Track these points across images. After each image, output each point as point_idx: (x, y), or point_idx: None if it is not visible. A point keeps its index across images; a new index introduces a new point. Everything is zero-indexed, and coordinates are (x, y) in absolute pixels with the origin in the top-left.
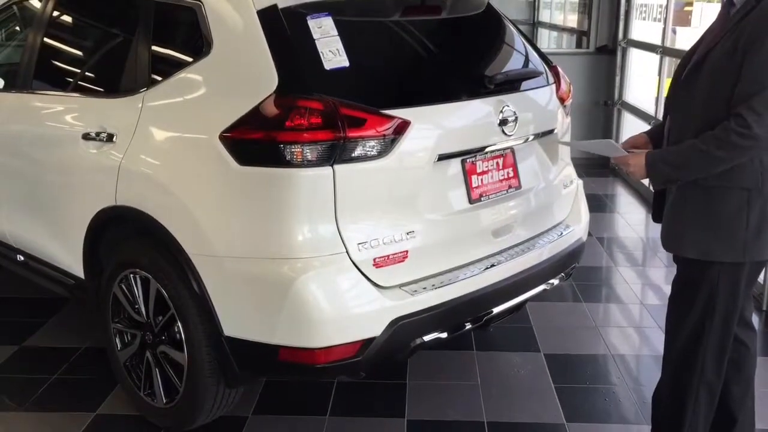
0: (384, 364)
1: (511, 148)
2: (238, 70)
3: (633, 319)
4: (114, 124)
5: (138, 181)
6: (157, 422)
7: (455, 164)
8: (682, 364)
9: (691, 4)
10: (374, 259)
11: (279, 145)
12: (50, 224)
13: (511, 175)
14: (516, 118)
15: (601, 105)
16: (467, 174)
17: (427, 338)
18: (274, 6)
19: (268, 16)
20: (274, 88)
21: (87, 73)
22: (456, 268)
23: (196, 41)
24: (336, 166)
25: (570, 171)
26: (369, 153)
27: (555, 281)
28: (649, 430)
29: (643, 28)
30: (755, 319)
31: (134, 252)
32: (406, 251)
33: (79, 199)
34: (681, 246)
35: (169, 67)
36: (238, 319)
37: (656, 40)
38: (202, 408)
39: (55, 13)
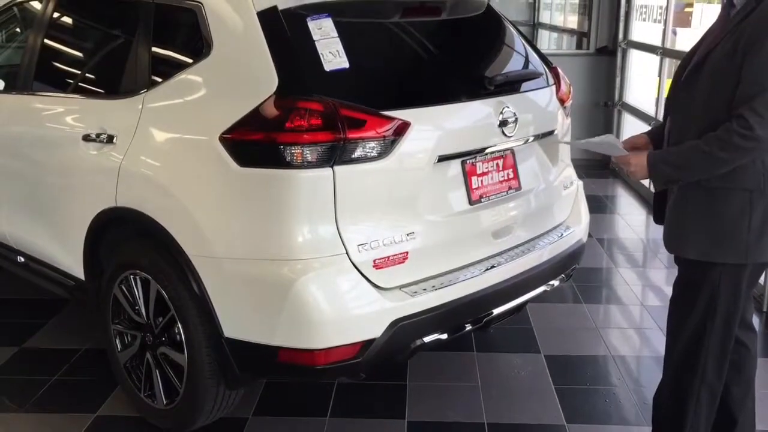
0: (384, 366)
1: (511, 150)
2: (238, 71)
3: (633, 321)
4: (114, 126)
5: (138, 182)
6: (158, 423)
7: (455, 165)
8: (684, 366)
9: (691, 5)
10: (374, 261)
11: (279, 146)
12: (50, 225)
13: (511, 176)
14: (516, 119)
15: (601, 106)
16: (467, 175)
17: (427, 339)
18: (274, 7)
19: (268, 18)
20: (274, 89)
21: (87, 75)
22: (456, 270)
23: (196, 42)
24: (336, 168)
25: (570, 172)
26: (369, 154)
27: (555, 282)
28: (649, 431)
29: (643, 30)
30: (756, 321)
31: (134, 253)
32: (406, 252)
33: (79, 201)
34: (682, 247)
35: (169, 69)
36: (238, 321)
37: (656, 42)
38: (203, 409)
39: (56, 15)
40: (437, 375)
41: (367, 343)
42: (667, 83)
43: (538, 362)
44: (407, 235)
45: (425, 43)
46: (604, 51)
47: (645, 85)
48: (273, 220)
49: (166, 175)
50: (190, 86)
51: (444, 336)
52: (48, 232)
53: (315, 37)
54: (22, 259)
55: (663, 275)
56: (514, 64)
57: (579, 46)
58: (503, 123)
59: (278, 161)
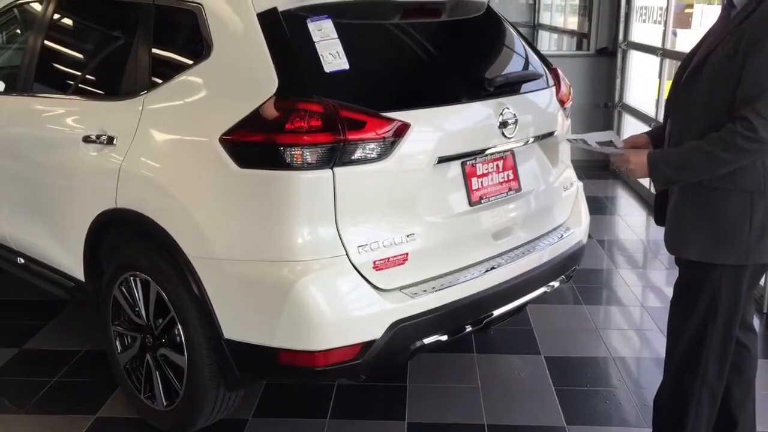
0: (384, 367)
1: (511, 151)
2: (238, 72)
3: (634, 322)
4: (114, 127)
5: (138, 183)
6: (158, 425)
7: (455, 167)
8: (684, 367)
9: (691, 6)
10: (374, 262)
11: (279, 147)
12: (51, 227)
13: (511, 177)
14: (516, 120)
15: (601, 107)
16: (467, 176)
17: (427, 341)
18: (274, 9)
19: (268, 19)
20: (274, 90)
21: (87, 76)
22: (456, 271)
23: (196, 44)
24: (336, 169)
25: (570, 173)
26: (369, 155)
27: (555, 284)
28: None
29: (643, 31)
30: (756, 322)
31: (134, 255)
32: (406, 254)
33: (79, 202)
34: (683, 248)
35: (169, 70)
36: (238, 322)
37: (656, 43)
38: (203, 411)
39: (56, 16)
40: (437, 376)
41: (367, 345)
42: (668, 84)
43: (539, 363)
44: (407, 236)
45: (425, 45)
46: (604, 52)
47: (645, 86)
48: (273, 221)
49: (166, 177)
50: (190, 88)
51: (444, 337)
52: (48, 234)
53: (315, 39)
54: (22, 261)
55: (663, 276)
56: (514, 66)
57: (579, 47)
58: (503, 124)
59: (278, 162)
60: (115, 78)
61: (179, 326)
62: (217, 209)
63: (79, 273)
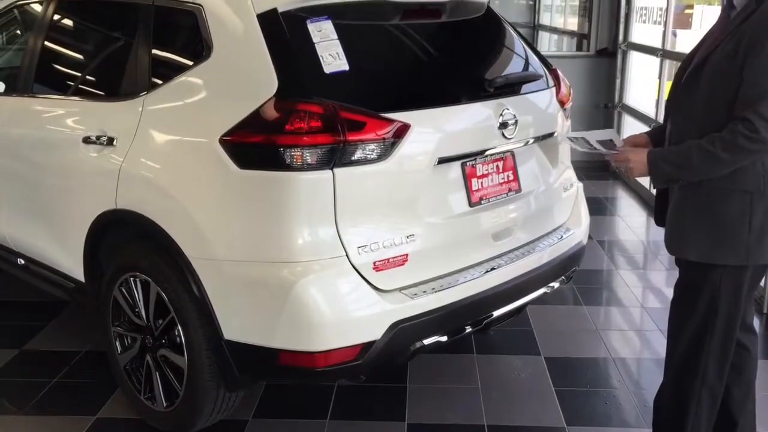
0: (384, 368)
1: (511, 152)
2: (238, 73)
3: (634, 323)
4: (114, 128)
5: (138, 184)
6: (158, 426)
7: (455, 167)
8: (684, 368)
9: (691, 7)
10: (374, 263)
11: (279, 148)
12: (51, 227)
13: (511, 178)
14: (516, 121)
15: (601, 108)
16: (467, 177)
17: (427, 341)
18: (274, 10)
19: (268, 20)
20: (274, 91)
21: (87, 77)
22: (456, 272)
23: (196, 45)
24: (336, 170)
25: (570, 174)
26: (369, 156)
27: (555, 284)
28: None
29: (643, 31)
30: (756, 322)
31: (134, 255)
32: (406, 254)
33: (79, 203)
34: (683, 248)
35: (169, 71)
36: (238, 323)
37: (656, 43)
38: (202, 412)
39: (56, 17)
40: (437, 377)
41: (367, 346)
42: (667, 85)
43: (538, 364)
44: (407, 237)
45: (425, 46)
46: (604, 53)
47: (645, 86)
48: (273, 222)
49: (166, 178)
50: (190, 88)
51: (444, 338)
52: (48, 234)
53: (315, 40)
54: (22, 262)
55: (663, 277)
56: (514, 66)
57: (579, 47)
58: (503, 125)
59: (278, 163)
60: (115, 79)
61: (179, 327)
62: (217, 210)
63: (79, 274)
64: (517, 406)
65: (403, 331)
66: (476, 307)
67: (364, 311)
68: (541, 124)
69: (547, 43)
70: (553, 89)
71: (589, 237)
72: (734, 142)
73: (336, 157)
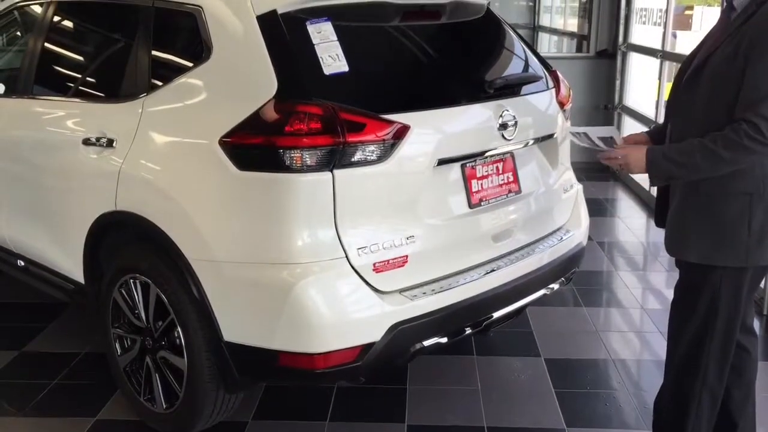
0: (384, 369)
1: (511, 153)
2: (237, 75)
3: (634, 324)
4: (114, 129)
5: (138, 186)
6: (157, 428)
7: (455, 169)
8: (685, 369)
9: (691, 8)
10: (374, 264)
11: (278, 150)
12: (50, 229)
13: (511, 179)
14: (516, 122)
15: (601, 109)
16: (467, 178)
17: (427, 343)
18: (274, 11)
19: (267, 22)
20: (274, 93)
21: (87, 79)
22: (456, 273)
23: (196, 46)
24: (335, 171)
25: (570, 175)
26: (368, 158)
27: (555, 286)
28: None
29: (643, 32)
30: (756, 324)
31: (134, 257)
32: (406, 256)
33: (79, 204)
34: (683, 250)
35: (169, 73)
36: (238, 325)
37: (656, 45)
38: (202, 413)
39: (56, 19)
40: (437, 378)
41: (367, 347)
42: (667, 86)
43: (538, 366)
44: (407, 238)
45: (425, 47)
46: (604, 54)
47: (645, 88)
48: (272, 223)
49: (165, 179)
50: (189, 90)
51: (444, 339)
52: (48, 236)
53: (314, 41)
54: (22, 263)
55: (663, 278)
56: (514, 68)
57: (579, 49)
58: (503, 126)
59: (278, 165)
60: (115, 80)
61: (179, 329)
62: (217, 211)
63: (79, 275)
64: (517, 407)
65: (403, 333)
66: (476, 309)
67: (363, 313)
68: (541, 126)
69: (547, 45)
70: (553, 90)
71: (589, 238)
72: (738, 141)
73: (336, 159)
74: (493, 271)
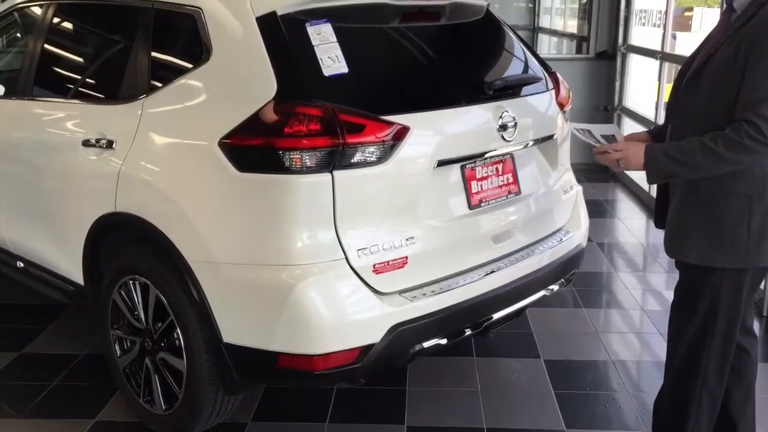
0: (383, 371)
1: (511, 154)
2: (237, 76)
3: (634, 325)
4: (114, 131)
5: (137, 187)
6: (157, 429)
7: (455, 170)
8: (685, 371)
9: (691, 9)
10: (374, 265)
11: (278, 151)
12: (50, 231)
13: (511, 180)
14: (515, 123)
15: (601, 110)
16: (467, 180)
17: (426, 344)
18: (273, 13)
19: (267, 23)
20: (273, 94)
21: (87, 80)
22: (456, 274)
23: (196, 48)
24: (335, 173)
25: (570, 176)
26: (368, 159)
27: (555, 287)
28: None
29: (642, 34)
30: (756, 325)
31: (134, 258)
32: (406, 257)
33: (78, 206)
34: (683, 252)
35: (168, 74)
36: (237, 326)
37: (656, 46)
38: (202, 415)
39: (56, 20)
40: (437, 380)
41: (367, 349)
42: (667, 87)
43: (538, 367)
44: (407, 239)
45: (424, 48)
46: (603, 55)
47: (645, 89)
48: (272, 225)
49: (165, 181)
50: (189, 91)
51: (443, 341)
52: (47, 237)
53: (314, 42)
54: (22, 264)
55: (663, 280)
56: (514, 69)
57: (579, 50)
58: (503, 127)
59: (277, 166)
60: (115, 82)
61: (178, 330)
62: (217, 213)
63: (78, 277)
64: (516, 409)
65: (403, 334)
66: (476, 310)
67: (363, 314)
68: (541, 127)
69: (546, 46)
70: (553, 92)
71: (589, 239)
72: (739, 141)
73: (335, 160)
74: (492, 272)
